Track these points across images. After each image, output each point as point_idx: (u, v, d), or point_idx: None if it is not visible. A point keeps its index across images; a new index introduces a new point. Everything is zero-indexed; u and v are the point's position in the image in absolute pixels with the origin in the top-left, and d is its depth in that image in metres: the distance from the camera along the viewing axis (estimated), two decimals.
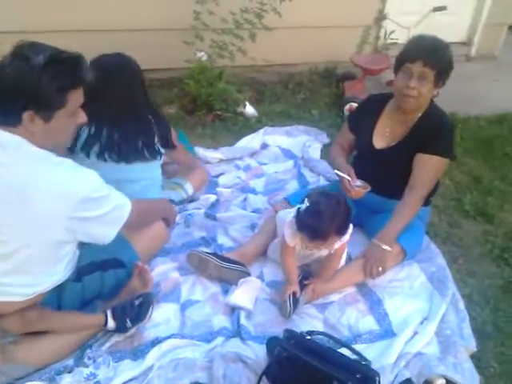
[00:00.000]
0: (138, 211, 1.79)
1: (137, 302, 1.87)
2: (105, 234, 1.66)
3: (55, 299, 1.75)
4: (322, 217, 1.75)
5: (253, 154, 3.20)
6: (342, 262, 2.10)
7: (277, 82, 4.27)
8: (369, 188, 2.11)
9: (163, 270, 2.17)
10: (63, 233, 1.55)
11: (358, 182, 2.12)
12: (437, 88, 2.03)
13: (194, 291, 2.09)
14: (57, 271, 1.68)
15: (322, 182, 2.86)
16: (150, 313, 1.88)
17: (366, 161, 2.27)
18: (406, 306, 2.01)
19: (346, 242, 1.96)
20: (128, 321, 1.83)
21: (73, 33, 3.44)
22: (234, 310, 2.00)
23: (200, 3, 3.43)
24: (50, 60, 1.42)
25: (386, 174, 2.14)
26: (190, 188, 2.60)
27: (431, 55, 1.94)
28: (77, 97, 1.52)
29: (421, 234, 2.27)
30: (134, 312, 1.85)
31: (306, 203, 1.80)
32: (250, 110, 3.67)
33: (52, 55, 1.44)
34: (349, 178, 2.10)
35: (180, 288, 2.09)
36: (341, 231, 1.84)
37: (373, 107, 2.24)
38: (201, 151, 3.08)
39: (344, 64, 4.18)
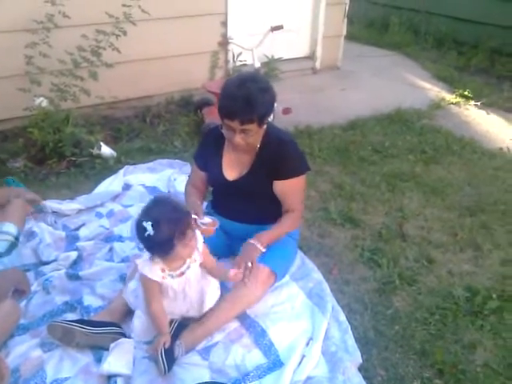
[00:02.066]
0: None
1: None
2: None
3: None
4: (159, 226, 1.67)
5: (115, 198, 2.99)
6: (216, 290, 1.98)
7: (133, 116, 4.11)
8: (217, 224, 2.04)
9: (23, 351, 1.89)
10: None
11: (206, 219, 2.04)
12: (264, 124, 2.02)
13: (62, 367, 1.83)
14: None
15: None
16: None
17: (222, 193, 2.24)
18: (291, 330, 1.96)
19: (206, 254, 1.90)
20: None
21: None
22: (110, 379, 1.78)
23: (30, 47, 3.17)
24: None
25: (246, 202, 2.12)
26: (11, 227, 2.26)
27: (245, 113, 1.90)
28: None
29: (290, 251, 2.27)
30: None
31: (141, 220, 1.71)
32: (106, 150, 3.46)
33: None
34: (195, 217, 2.03)
35: (44, 368, 1.82)
36: (181, 236, 1.74)
37: (214, 142, 2.18)
38: (55, 204, 2.79)
39: (200, 91, 4.16)
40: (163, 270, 1.82)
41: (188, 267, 1.85)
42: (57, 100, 3.34)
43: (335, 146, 3.62)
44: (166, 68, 4.21)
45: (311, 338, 1.91)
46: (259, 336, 1.93)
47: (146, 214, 1.71)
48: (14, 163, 3.31)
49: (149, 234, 1.68)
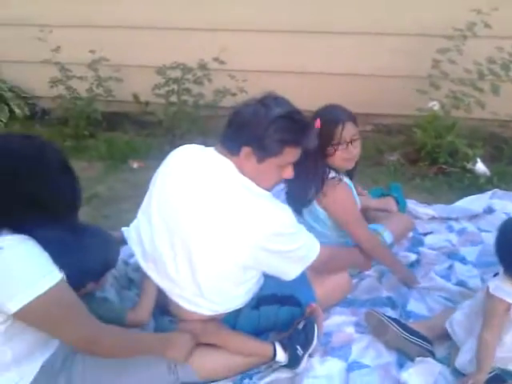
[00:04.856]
0: (327, 257, 1.82)
1: (300, 326, 1.82)
2: (288, 270, 1.74)
3: (232, 321, 1.81)
4: None
5: (472, 218, 2.81)
6: None
7: None
8: None
9: (339, 322, 2.06)
10: (249, 259, 1.64)
11: None
12: None
13: (366, 354, 1.89)
14: (238, 294, 1.75)
15: None
16: (316, 333, 1.81)
17: None
18: None
19: None
20: (299, 347, 1.78)
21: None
22: None
23: (441, 52, 3.24)
24: (284, 115, 1.61)
25: None
26: (389, 236, 2.33)
27: None
28: (292, 154, 1.67)
29: None
30: (301, 336, 1.80)
31: None
32: (481, 167, 3.28)
33: (289, 112, 1.63)
34: None
35: (351, 346, 1.93)
36: None
37: None
38: (411, 205, 2.85)
39: None
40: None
41: None
42: (448, 106, 3.34)
43: None
44: None
45: None
46: None
47: None
48: (389, 156, 3.55)
49: None
